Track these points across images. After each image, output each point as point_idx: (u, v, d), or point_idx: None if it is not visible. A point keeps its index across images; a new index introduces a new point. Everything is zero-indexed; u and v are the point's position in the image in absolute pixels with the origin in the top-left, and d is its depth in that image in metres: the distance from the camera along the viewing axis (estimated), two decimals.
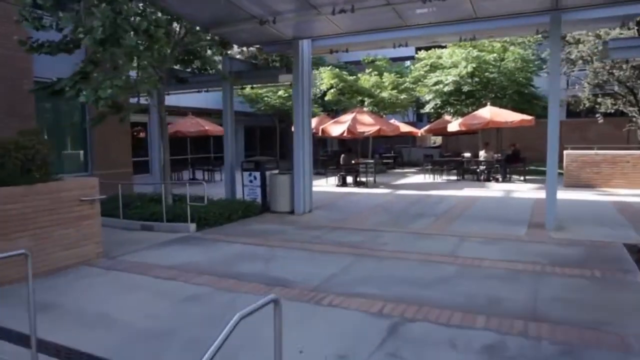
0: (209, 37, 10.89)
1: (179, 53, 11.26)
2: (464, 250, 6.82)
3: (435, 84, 18.29)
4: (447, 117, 22.37)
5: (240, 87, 14.46)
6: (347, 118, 15.40)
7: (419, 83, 19.88)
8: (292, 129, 10.65)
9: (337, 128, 14.98)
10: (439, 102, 18.66)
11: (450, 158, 17.63)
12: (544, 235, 7.70)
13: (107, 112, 8.78)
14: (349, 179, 15.64)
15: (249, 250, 7.15)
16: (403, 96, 21.94)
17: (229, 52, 14.34)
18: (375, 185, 15.75)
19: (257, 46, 12.56)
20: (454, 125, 16.02)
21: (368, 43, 10.49)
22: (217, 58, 13.04)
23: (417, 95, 21.34)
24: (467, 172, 17.58)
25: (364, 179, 15.72)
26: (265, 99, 22.56)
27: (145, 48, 7.48)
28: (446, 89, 17.74)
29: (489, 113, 15.40)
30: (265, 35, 9.97)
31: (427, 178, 17.23)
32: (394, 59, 25.59)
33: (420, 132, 23.24)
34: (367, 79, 20.44)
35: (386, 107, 21.05)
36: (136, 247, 7.48)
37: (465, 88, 17.45)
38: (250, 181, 11.06)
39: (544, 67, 20.58)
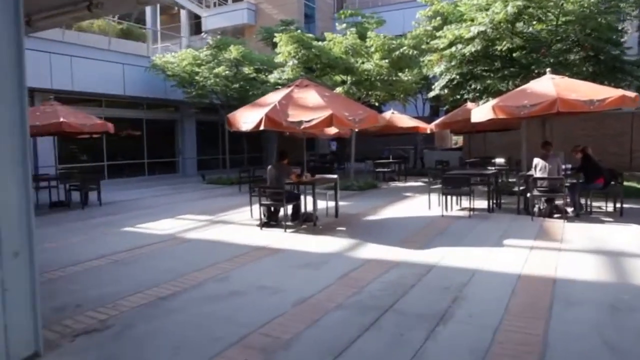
0: None
1: None
2: None
3: (451, 44, 10.73)
4: (470, 105, 14.88)
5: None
6: (274, 98, 8.04)
7: (425, 46, 12.30)
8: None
9: (251, 116, 7.63)
10: (456, 76, 11.09)
11: (475, 171, 9.97)
12: None
13: None
14: (285, 211, 8.27)
15: None
16: (406, 77, 14.43)
17: None
18: (332, 224, 8.37)
19: None
20: (484, 110, 8.47)
21: None
22: None
23: (424, 72, 13.69)
24: (503, 192, 9.99)
25: (322, 207, 8.33)
26: (199, 79, 15.32)
27: None
28: (468, 49, 10.18)
29: (554, 85, 7.84)
30: None
31: (435, 205, 9.72)
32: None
33: (429, 127, 15.72)
34: (338, 42, 12.94)
35: (373, 88, 13.54)
36: None
37: (503, 45, 9.88)
38: None
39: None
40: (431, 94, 12.35)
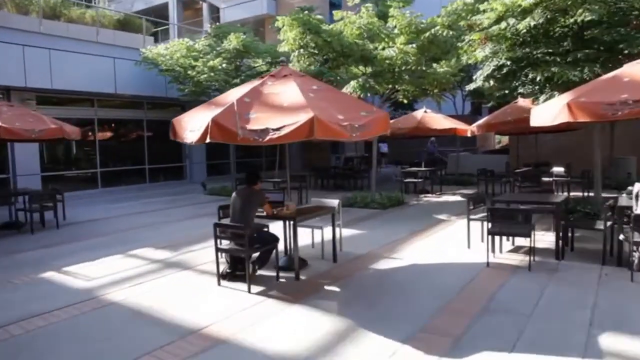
0: None
1: None
2: None
3: (499, 18, 7.90)
4: (522, 102, 12.00)
5: None
6: (235, 94, 5.53)
7: (464, 23, 9.43)
8: None
9: (199, 122, 5.14)
10: (506, 62, 8.23)
11: (538, 199, 6.98)
12: None
13: None
14: (247, 262, 5.73)
15: None
16: (442, 68, 11.62)
17: None
18: (323, 276, 5.79)
19: None
20: (552, 110, 5.62)
21: None
22: None
23: (463, 60, 10.74)
24: (579, 225, 7.02)
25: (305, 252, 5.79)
26: (192, 73, 13.03)
27: None
28: (525, 24, 7.32)
29: None
30: None
31: (476, 240, 6.98)
32: None
33: (470, 129, 12.93)
34: (351, 21, 10.24)
35: (398, 81, 10.79)
36: None
37: (579, 15, 6.94)
38: None
39: None
40: (471, 86, 9.51)
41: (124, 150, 17.29)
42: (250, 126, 4.75)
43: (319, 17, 10.90)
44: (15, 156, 13.41)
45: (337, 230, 6.65)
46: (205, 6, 31.87)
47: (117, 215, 11.13)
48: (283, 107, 4.99)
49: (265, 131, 4.68)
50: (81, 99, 15.27)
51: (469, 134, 13.22)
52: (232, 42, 13.16)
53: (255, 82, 5.73)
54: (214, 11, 31.42)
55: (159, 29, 24.46)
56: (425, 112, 14.06)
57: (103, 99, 15.64)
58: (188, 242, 7.85)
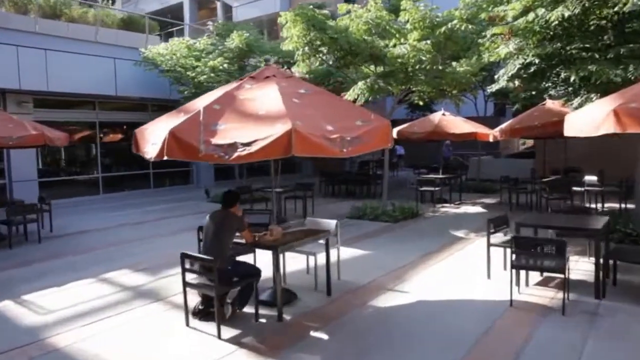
0: None
1: None
2: None
3: (526, 9, 6.85)
4: (550, 103, 10.88)
5: None
6: (205, 100, 4.66)
7: (485, 15, 8.36)
8: None
9: (162, 134, 4.28)
10: (534, 59, 7.14)
11: (572, 224, 5.81)
12: None
13: None
14: (217, 302, 4.83)
15: None
16: (462, 67, 10.55)
17: None
18: (312, 316, 4.86)
19: None
20: (593, 117, 4.58)
21: None
22: None
23: (484, 58, 9.64)
24: (626, 258, 5.94)
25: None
26: (192, 74, 12.25)
27: None
28: (557, 15, 6.25)
29: None
30: None
31: (498, 268, 5.97)
32: None
33: (492, 133, 11.86)
34: (357, 15, 9.25)
35: (411, 81, 9.77)
36: None
37: (620, 8, 5.83)
38: None
39: None
40: (494, 88, 8.44)
41: (127, 154, 16.67)
42: (215, 140, 3.86)
43: (325, 12, 9.95)
44: (11, 162, 12.88)
45: (336, 253, 5.78)
46: (219, 5, 31.30)
47: (110, 226, 10.43)
48: (258, 116, 4.09)
49: (233, 146, 3.78)
50: (82, 101, 14.70)
51: (490, 139, 12.10)
52: (235, 40, 12.34)
53: (231, 85, 4.85)
54: (228, 10, 30.80)
55: (174, 29, 23.85)
56: (443, 114, 12.98)
57: (105, 102, 15.05)
58: (170, 263, 6.98)
